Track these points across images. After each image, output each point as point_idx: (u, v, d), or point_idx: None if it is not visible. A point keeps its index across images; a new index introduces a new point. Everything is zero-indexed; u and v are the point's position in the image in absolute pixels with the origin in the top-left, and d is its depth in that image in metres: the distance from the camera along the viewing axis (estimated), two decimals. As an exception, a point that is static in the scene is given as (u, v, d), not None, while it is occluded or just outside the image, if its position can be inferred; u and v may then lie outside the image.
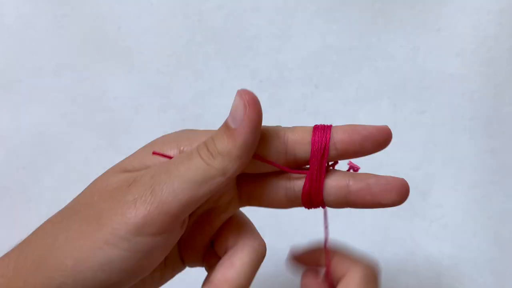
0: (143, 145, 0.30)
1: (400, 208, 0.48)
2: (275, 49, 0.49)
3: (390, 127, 0.30)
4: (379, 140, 0.29)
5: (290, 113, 0.49)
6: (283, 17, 0.50)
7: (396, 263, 0.48)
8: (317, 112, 0.48)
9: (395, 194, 0.29)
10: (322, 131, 0.28)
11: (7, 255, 0.28)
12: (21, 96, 0.52)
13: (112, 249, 0.25)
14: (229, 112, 0.26)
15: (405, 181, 0.29)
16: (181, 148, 0.28)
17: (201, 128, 0.51)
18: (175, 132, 0.30)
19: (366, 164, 0.49)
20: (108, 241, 0.25)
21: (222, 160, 0.25)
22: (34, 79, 0.51)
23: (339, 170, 0.30)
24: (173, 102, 0.50)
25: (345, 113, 0.49)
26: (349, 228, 0.48)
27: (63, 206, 0.52)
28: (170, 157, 0.28)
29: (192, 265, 0.32)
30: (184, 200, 0.25)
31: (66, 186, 0.51)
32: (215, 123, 0.50)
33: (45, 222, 0.29)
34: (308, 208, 0.29)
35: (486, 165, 0.47)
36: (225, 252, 0.29)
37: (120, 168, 0.28)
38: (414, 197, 0.48)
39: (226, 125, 0.26)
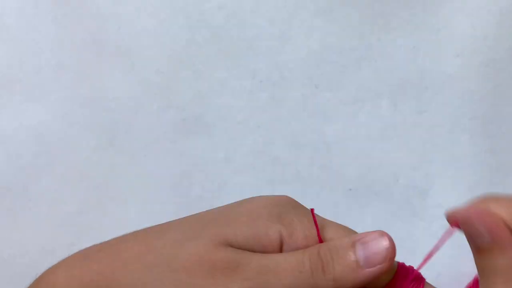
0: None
1: (400, 208, 0.48)
2: (275, 49, 0.49)
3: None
4: None
5: (290, 113, 0.49)
6: (283, 17, 0.49)
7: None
8: (317, 112, 0.48)
9: None
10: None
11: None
12: (21, 96, 0.51)
13: None
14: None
15: None
16: (283, 234, 0.27)
17: (201, 129, 0.51)
18: (278, 203, 0.29)
19: (367, 164, 0.49)
20: None
21: (331, 284, 0.25)
22: (34, 79, 0.51)
23: None
24: (173, 102, 0.50)
25: (345, 113, 0.48)
26: (349, 227, 0.48)
27: (63, 205, 0.53)
28: (317, 225, 0.27)
29: None
30: None
31: (66, 186, 0.51)
32: (215, 123, 0.50)
33: (126, 250, 0.28)
34: None
35: (486, 165, 0.47)
36: None
37: (223, 239, 0.26)
38: (414, 197, 0.48)
39: (353, 254, 0.26)
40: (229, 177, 0.50)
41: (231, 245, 0.26)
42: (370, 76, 0.48)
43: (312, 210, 0.28)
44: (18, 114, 0.51)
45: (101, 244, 0.29)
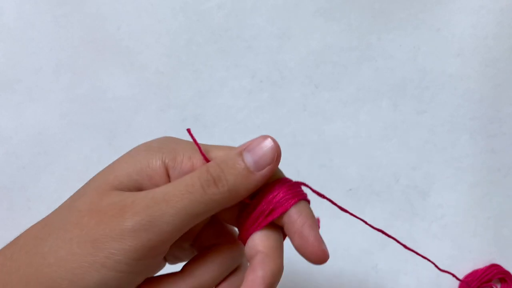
0: (141, 143, 0.30)
1: (400, 208, 0.48)
2: (275, 49, 0.49)
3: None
4: (312, 254, 0.27)
5: (290, 113, 0.49)
6: (283, 17, 0.49)
7: (396, 263, 0.48)
8: (317, 112, 0.48)
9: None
10: (286, 195, 0.28)
11: None
12: (21, 96, 0.51)
13: (109, 271, 0.25)
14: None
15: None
16: (165, 160, 0.28)
17: (201, 129, 0.51)
18: (158, 140, 0.30)
19: (367, 164, 0.49)
20: (105, 264, 0.25)
21: (226, 195, 0.26)
22: (34, 79, 0.51)
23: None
24: (173, 102, 0.50)
25: (345, 113, 0.48)
26: (349, 227, 0.48)
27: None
28: (197, 144, 0.28)
29: (175, 260, 0.33)
30: (180, 228, 0.26)
31: (66, 186, 0.51)
32: (215, 123, 0.50)
33: (25, 234, 0.28)
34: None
35: (486, 165, 0.47)
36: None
37: (108, 185, 0.27)
38: (414, 197, 0.48)
39: (243, 162, 0.26)
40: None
41: (117, 189, 0.27)
42: (370, 76, 0.48)
43: (188, 130, 0.29)
44: (18, 114, 0.51)
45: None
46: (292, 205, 0.27)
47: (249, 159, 0.26)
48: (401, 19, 0.48)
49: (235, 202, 0.27)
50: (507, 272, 0.47)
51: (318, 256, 0.27)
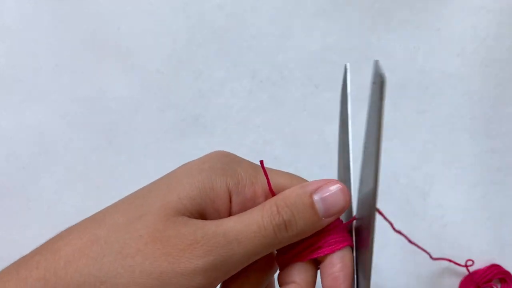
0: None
1: (400, 208, 0.48)
2: (275, 49, 0.49)
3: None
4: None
5: (290, 113, 0.49)
6: (283, 17, 0.49)
7: (396, 263, 0.48)
8: (317, 112, 0.48)
9: None
10: (333, 239, 0.28)
11: (22, 271, 0.26)
12: (21, 96, 0.51)
13: None
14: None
15: None
16: (229, 184, 0.27)
17: (201, 129, 0.51)
18: (218, 157, 0.28)
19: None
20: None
21: (294, 238, 0.26)
22: (34, 79, 0.51)
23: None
24: (173, 102, 0.50)
25: (345, 113, 0.49)
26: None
27: (62, 205, 0.53)
28: (268, 180, 0.27)
29: None
30: (243, 266, 0.26)
31: (66, 186, 0.51)
32: (215, 124, 0.50)
33: (66, 245, 0.26)
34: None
35: (486, 165, 0.47)
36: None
37: (171, 209, 0.26)
38: (414, 197, 0.48)
39: (313, 208, 0.26)
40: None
41: (181, 213, 0.25)
42: (370, 76, 0.48)
43: (261, 161, 0.28)
44: (18, 114, 0.51)
45: (36, 248, 0.27)
46: (339, 249, 0.28)
47: (320, 205, 0.26)
48: (401, 19, 0.48)
49: (295, 241, 0.27)
50: (507, 272, 0.47)
51: None
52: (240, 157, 0.29)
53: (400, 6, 0.48)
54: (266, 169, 0.28)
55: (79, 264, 0.25)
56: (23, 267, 0.26)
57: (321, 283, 0.28)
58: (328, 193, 0.27)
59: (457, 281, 0.47)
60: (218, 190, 0.27)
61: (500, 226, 0.47)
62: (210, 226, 0.25)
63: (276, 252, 0.29)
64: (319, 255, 0.27)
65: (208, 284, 0.25)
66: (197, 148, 0.50)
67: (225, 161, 0.28)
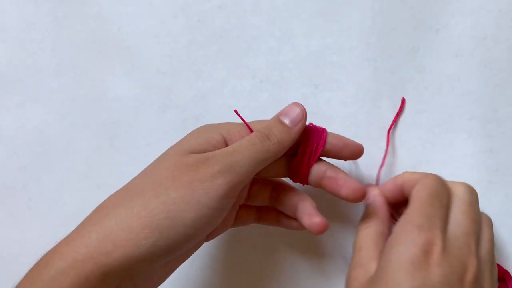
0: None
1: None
2: (275, 49, 0.50)
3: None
4: (354, 151, 0.40)
5: (290, 113, 0.49)
6: (283, 17, 0.50)
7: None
8: (317, 112, 0.48)
9: (351, 192, 0.38)
10: (319, 132, 0.40)
11: (81, 230, 0.33)
12: (21, 96, 0.52)
13: (203, 207, 0.32)
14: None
15: (362, 189, 0.38)
16: (223, 134, 0.37)
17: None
18: (211, 124, 0.40)
19: (367, 164, 0.49)
20: (201, 201, 0.32)
21: (277, 147, 0.36)
22: (34, 79, 0.51)
23: (323, 160, 0.40)
24: (173, 102, 0.50)
25: (345, 113, 0.49)
26: (349, 227, 0.48)
27: (63, 205, 0.53)
28: (245, 121, 0.39)
29: (244, 223, 0.43)
30: (249, 173, 0.35)
31: (67, 186, 0.51)
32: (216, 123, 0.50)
33: (108, 201, 0.35)
34: (294, 181, 0.41)
35: (485, 165, 0.47)
36: (295, 206, 0.40)
37: (184, 151, 0.35)
38: (414, 196, 0.48)
39: (281, 122, 0.38)
40: (229, 177, 0.49)
41: (193, 153, 0.35)
42: (370, 76, 0.48)
43: (235, 110, 0.41)
44: (18, 114, 0.51)
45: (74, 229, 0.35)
46: (326, 135, 0.39)
47: (286, 120, 0.38)
48: (401, 19, 0.48)
49: (282, 153, 0.37)
50: (505, 271, 0.47)
51: (358, 150, 0.40)
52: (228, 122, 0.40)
53: (400, 6, 0.48)
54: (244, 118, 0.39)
55: (119, 204, 0.33)
56: (77, 234, 0.34)
57: (341, 158, 0.41)
58: (286, 109, 0.39)
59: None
60: (216, 137, 0.37)
61: (499, 226, 0.47)
62: (216, 150, 0.35)
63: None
64: (321, 148, 0.39)
65: (227, 183, 0.33)
66: (197, 148, 0.50)
67: (216, 124, 0.39)
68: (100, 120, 0.51)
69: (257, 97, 0.49)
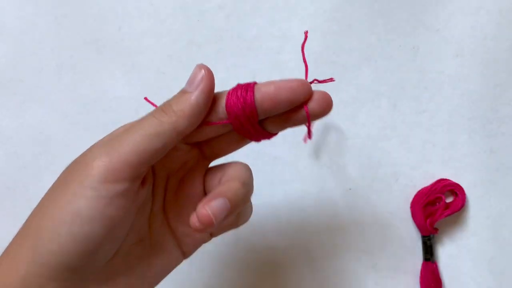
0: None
1: (399, 208, 0.48)
2: (275, 49, 0.50)
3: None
4: (294, 89, 0.31)
5: (290, 113, 0.49)
6: (283, 17, 0.50)
7: (395, 262, 0.48)
8: (317, 112, 0.48)
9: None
10: (245, 87, 0.32)
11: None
12: (22, 96, 0.52)
13: (79, 199, 0.28)
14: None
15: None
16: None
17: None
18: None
19: (367, 163, 0.49)
20: (75, 193, 0.28)
21: (174, 117, 0.30)
22: (34, 79, 0.52)
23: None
24: (173, 102, 0.50)
25: (345, 113, 0.49)
26: (349, 226, 0.48)
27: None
28: (155, 106, 0.32)
29: (188, 244, 0.35)
30: (140, 150, 0.29)
31: (67, 186, 0.51)
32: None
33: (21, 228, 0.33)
34: (258, 142, 0.34)
35: (485, 165, 0.47)
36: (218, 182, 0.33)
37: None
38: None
39: (182, 90, 0.31)
40: (229, 177, 0.50)
41: None
42: (370, 76, 0.48)
43: (145, 98, 0.36)
44: (19, 114, 0.51)
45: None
46: (253, 89, 0.32)
47: (187, 85, 0.31)
48: (401, 19, 0.48)
49: (187, 122, 0.30)
50: (455, 184, 0.46)
51: (301, 89, 0.31)
52: None
53: (400, 6, 0.48)
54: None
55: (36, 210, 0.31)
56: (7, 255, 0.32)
57: (284, 100, 0.32)
58: (190, 75, 0.31)
59: (456, 282, 0.47)
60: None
61: (499, 225, 0.47)
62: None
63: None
64: (253, 108, 0.32)
65: (102, 165, 0.28)
66: (197, 148, 0.50)
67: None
68: (100, 120, 0.51)
69: (257, 97, 0.49)
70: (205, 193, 0.35)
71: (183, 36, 0.50)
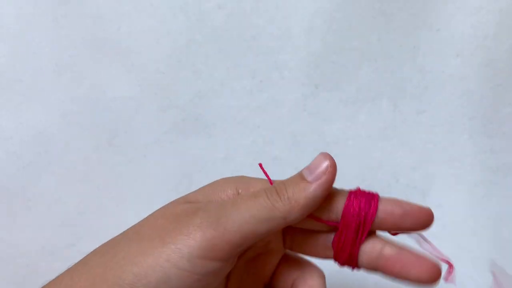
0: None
1: (400, 208, 0.48)
2: (275, 49, 0.49)
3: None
4: (419, 219, 0.30)
5: (290, 113, 0.49)
6: (283, 17, 0.50)
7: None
8: (317, 112, 0.48)
9: (425, 272, 0.28)
10: (368, 198, 0.30)
11: (60, 275, 0.28)
12: (21, 96, 0.52)
13: (172, 267, 0.26)
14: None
15: (438, 266, 0.29)
16: (239, 190, 0.30)
17: (201, 129, 0.51)
18: (235, 176, 0.32)
19: (367, 164, 0.49)
20: (170, 259, 0.26)
21: (288, 205, 0.27)
22: (34, 79, 0.51)
23: (376, 234, 0.30)
24: (173, 102, 0.50)
25: (345, 113, 0.49)
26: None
27: (63, 205, 0.53)
28: (267, 175, 0.31)
29: None
30: (245, 232, 0.27)
31: (66, 186, 0.51)
32: (215, 123, 0.50)
33: (101, 245, 0.30)
34: (340, 264, 0.31)
35: (485, 165, 0.47)
36: (291, 285, 0.31)
37: (184, 200, 0.30)
38: (414, 197, 0.48)
39: (301, 176, 0.28)
40: (229, 177, 0.50)
41: (193, 203, 0.29)
42: (370, 76, 0.48)
43: (260, 164, 0.32)
44: (18, 114, 0.51)
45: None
46: (378, 201, 0.29)
47: (306, 171, 0.28)
48: (401, 19, 0.48)
49: (298, 216, 0.28)
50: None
51: (425, 217, 0.30)
52: (255, 177, 0.32)
53: (400, 6, 0.48)
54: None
55: (103, 250, 0.28)
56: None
57: (408, 234, 0.30)
58: (312, 161, 0.29)
59: (456, 282, 0.47)
60: (228, 192, 0.30)
61: (500, 226, 0.47)
62: (210, 201, 0.29)
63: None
64: (371, 222, 0.29)
65: (205, 240, 0.26)
66: (197, 148, 0.50)
67: (239, 177, 0.32)
68: (99, 120, 0.51)
69: (257, 97, 0.49)
70: (272, 277, 0.33)
71: (183, 36, 0.50)
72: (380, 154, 0.48)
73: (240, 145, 0.49)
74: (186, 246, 0.26)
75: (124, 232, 0.30)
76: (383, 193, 0.49)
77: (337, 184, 0.50)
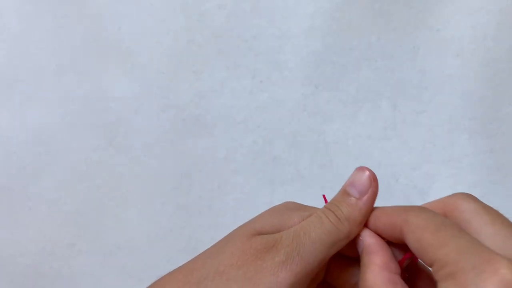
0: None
1: (400, 208, 0.48)
2: (275, 49, 0.49)
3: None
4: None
5: (290, 113, 0.49)
6: (283, 17, 0.50)
7: (396, 263, 0.48)
8: (317, 112, 0.48)
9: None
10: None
11: None
12: (21, 96, 0.52)
13: None
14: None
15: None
16: (304, 217, 0.31)
17: (201, 129, 0.51)
18: (291, 202, 0.34)
19: (367, 164, 0.49)
20: None
21: (348, 225, 0.29)
22: (34, 79, 0.51)
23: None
24: (173, 102, 0.50)
25: (345, 113, 0.49)
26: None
27: (62, 205, 0.53)
28: (326, 200, 0.32)
29: None
30: (319, 261, 0.28)
31: (66, 186, 0.51)
32: (215, 123, 0.50)
33: (170, 280, 0.30)
34: None
35: (485, 165, 0.47)
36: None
37: (254, 231, 0.31)
38: (414, 197, 0.48)
39: (347, 193, 0.30)
40: (229, 177, 0.50)
41: (262, 233, 0.30)
42: (370, 76, 0.48)
43: (323, 196, 0.33)
44: (18, 114, 0.51)
45: None
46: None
47: (353, 190, 0.30)
48: (401, 19, 0.48)
49: (356, 233, 0.30)
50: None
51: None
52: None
53: (400, 6, 0.48)
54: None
55: None
56: None
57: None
58: (351, 176, 0.31)
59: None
60: (294, 220, 0.31)
61: (500, 226, 0.47)
62: (284, 231, 0.30)
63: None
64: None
65: (293, 277, 0.28)
66: (197, 148, 0.50)
67: (298, 204, 0.33)
68: (99, 120, 0.51)
69: (257, 97, 0.49)
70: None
71: (183, 36, 0.50)
72: (380, 154, 0.48)
73: (240, 145, 0.49)
74: (276, 285, 0.28)
75: (192, 266, 0.31)
76: (383, 193, 0.49)
77: (337, 185, 0.50)
